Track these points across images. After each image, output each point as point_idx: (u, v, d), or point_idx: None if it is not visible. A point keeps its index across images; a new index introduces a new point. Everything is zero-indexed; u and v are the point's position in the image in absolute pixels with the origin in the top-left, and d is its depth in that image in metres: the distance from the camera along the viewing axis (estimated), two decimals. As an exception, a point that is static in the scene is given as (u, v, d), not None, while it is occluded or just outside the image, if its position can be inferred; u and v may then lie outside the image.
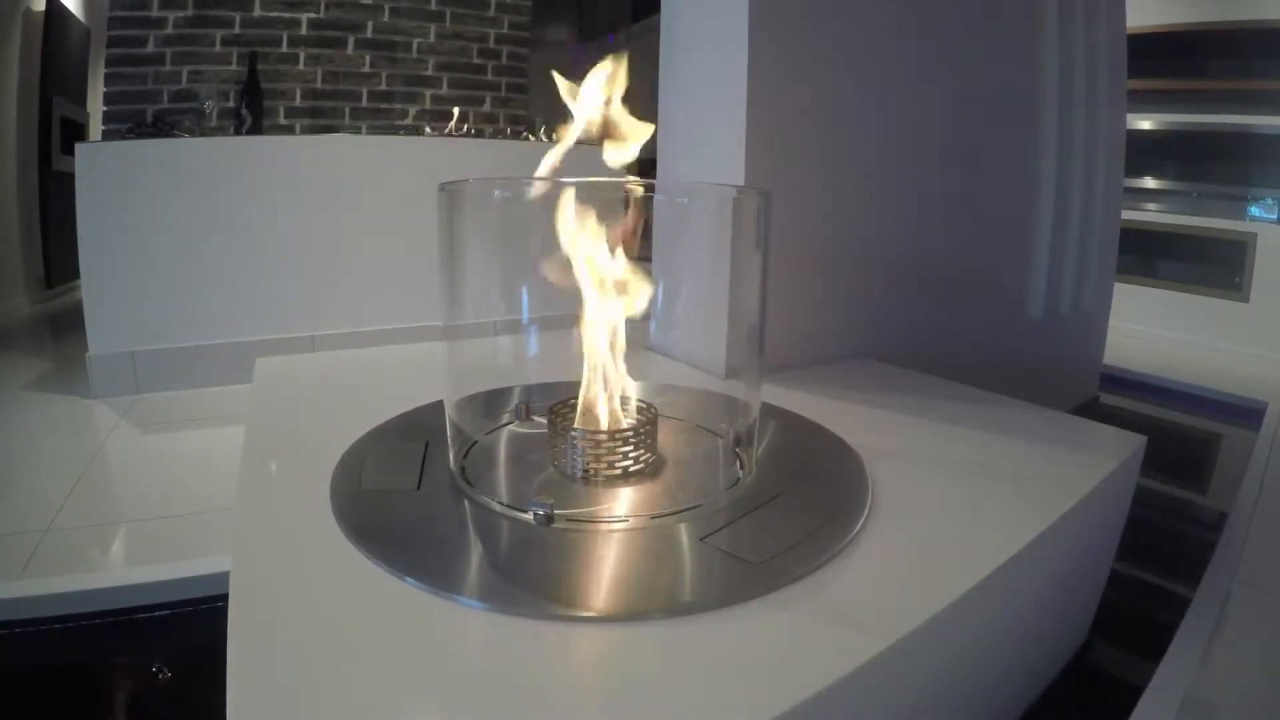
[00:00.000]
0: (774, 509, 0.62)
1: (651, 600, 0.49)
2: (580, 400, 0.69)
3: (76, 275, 3.54)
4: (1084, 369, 1.95)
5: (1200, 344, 2.72)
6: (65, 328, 2.85)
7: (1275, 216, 2.67)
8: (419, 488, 0.63)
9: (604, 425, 0.68)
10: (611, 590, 0.51)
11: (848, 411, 0.92)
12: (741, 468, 0.70)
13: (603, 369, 0.68)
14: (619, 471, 0.66)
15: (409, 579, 0.50)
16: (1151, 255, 2.92)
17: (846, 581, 0.53)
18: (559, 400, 0.72)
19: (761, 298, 0.72)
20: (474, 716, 0.39)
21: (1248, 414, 1.95)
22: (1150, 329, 2.85)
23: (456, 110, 3.13)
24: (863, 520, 0.61)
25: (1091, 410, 1.93)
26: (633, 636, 0.46)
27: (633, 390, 0.71)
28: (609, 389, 0.69)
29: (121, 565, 1.14)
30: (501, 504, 0.61)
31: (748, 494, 0.65)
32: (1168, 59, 2.82)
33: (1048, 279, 1.66)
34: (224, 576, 1.02)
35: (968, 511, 0.66)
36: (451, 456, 0.67)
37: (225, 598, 1.02)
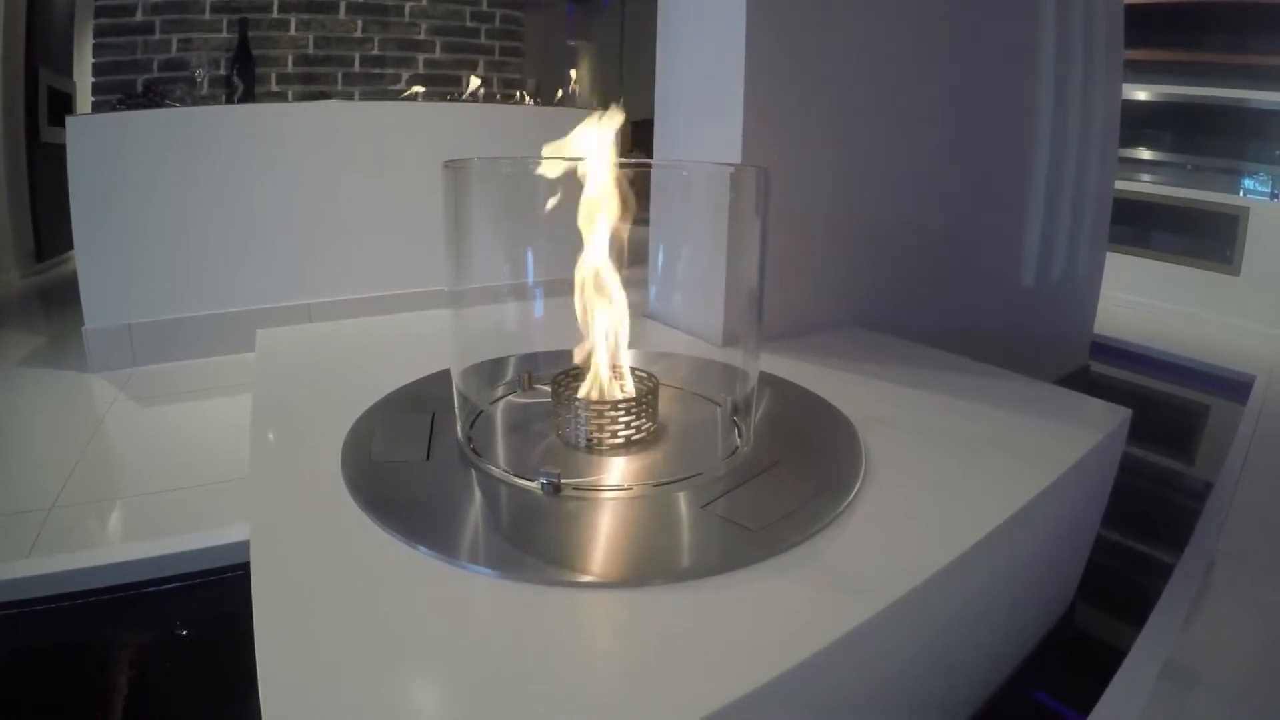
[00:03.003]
0: (771, 476, 0.64)
1: (656, 566, 0.51)
2: (583, 371, 0.71)
3: (67, 247, 3.52)
4: (1075, 338, 1.97)
5: (1190, 315, 2.74)
6: (58, 301, 2.83)
7: (1268, 190, 2.68)
8: (428, 458, 0.64)
9: (607, 395, 0.69)
10: (617, 557, 0.53)
11: (841, 380, 0.93)
12: (739, 436, 0.72)
13: (605, 340, 0.70)
14: (621, 440, 0.68)
15: (421, 548, 0.52)
16: (1144, 226, 2.93)
17: (842, 547, 0.55)
18: (562, 370, 0.73)
19: (760, 271, 0.73)
20: (484, 679, 0.41)
21: (1235, 387, 1.97)
22: (1141, 299, 2.87)
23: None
24: (856, 488, 0.63)
25: (1081, 379, 1.96)
26: (638, 601, 0.48)
27: (633, 360, 0.72)
28: (611, 359, 0.70)
29: (129, 540, 1.15)
30: (509, 474, 0.62)
31: (746, 462, 0.67)
32: (1165, 30, 2.80)
33: (1040, 249, 1.68)
34: (232, 548, 1.04)
35: (957, 481, 0.68)
36: (459, 427, 0.69)
37: (233, 569, 1.04)
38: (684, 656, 0.43)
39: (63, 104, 3.46)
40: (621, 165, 0.63)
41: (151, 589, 1.00)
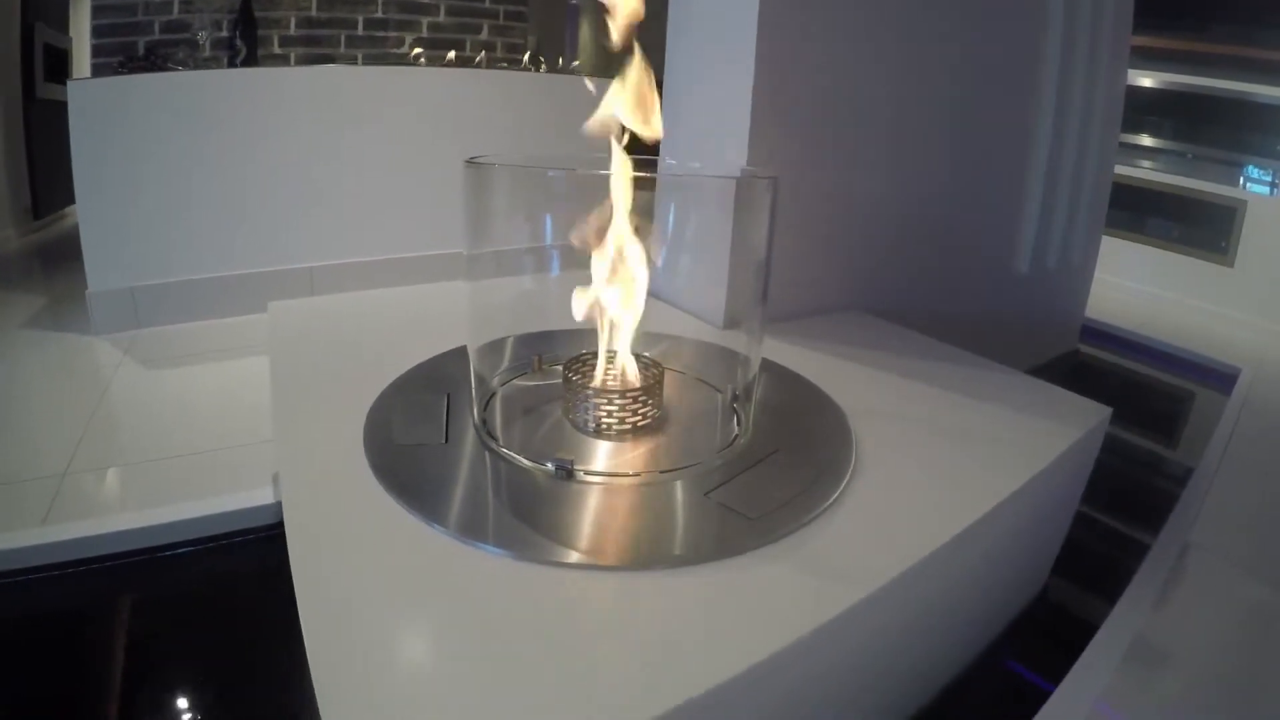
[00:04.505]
0: (769, 465, 0.68)
1: (659, 551, 0.55)
2: (595, 358, 0.74)
3: (64, 204, 3.49)
4: (1066, 321, 2.00)
5: (1182, 304, 2.77)
6: (56, 260, 2.82)
7: (1269, 185, 2.69)
8: (446, 441, 0.68)
9: (616, 384, 0.73)
10: (623, 541, 0.57)
11: (835, 367, 0.96)
12: (739, 424, 0.75)
13: (617, 329, 0.73)
14: (629, 426, 0.71)
15: (442, 530, 0.56)
16: (1142, 212, 2.95)
17: (832, 536, 0.59)
18: (573, 356, 0.76)
19: (765, 268, 0.76)
20: (494, 653, 0.45)
21: (1221, 378, 2.00)
22: (1135, 284, 2.90)
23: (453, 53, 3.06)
24: (847, 479, 0.66)
25: (1070, 362, 1.99)
26: (642, 584, 0.52)
27: (636, 341, 0.75)
28: (622, 349, 0.73)
29: (145, 507, 1.16)
30: (523, 458, 0.66)
31: (744, 451, 0.70)
32: (1174, 18, 2.78)
33: (1038, 234, 1.69)
34: (244, 513, 1.07)
35: (941, 473, 0.71)
36: (475, 410, 0.73)
37: (243, 533, 1.07)
38: (684, 637, 0.47)
39: (59, 60, 3.41)
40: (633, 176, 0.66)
41: (166, 553, 1.03)
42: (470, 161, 0.65)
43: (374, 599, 0.49)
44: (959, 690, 0.78)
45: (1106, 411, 0.87)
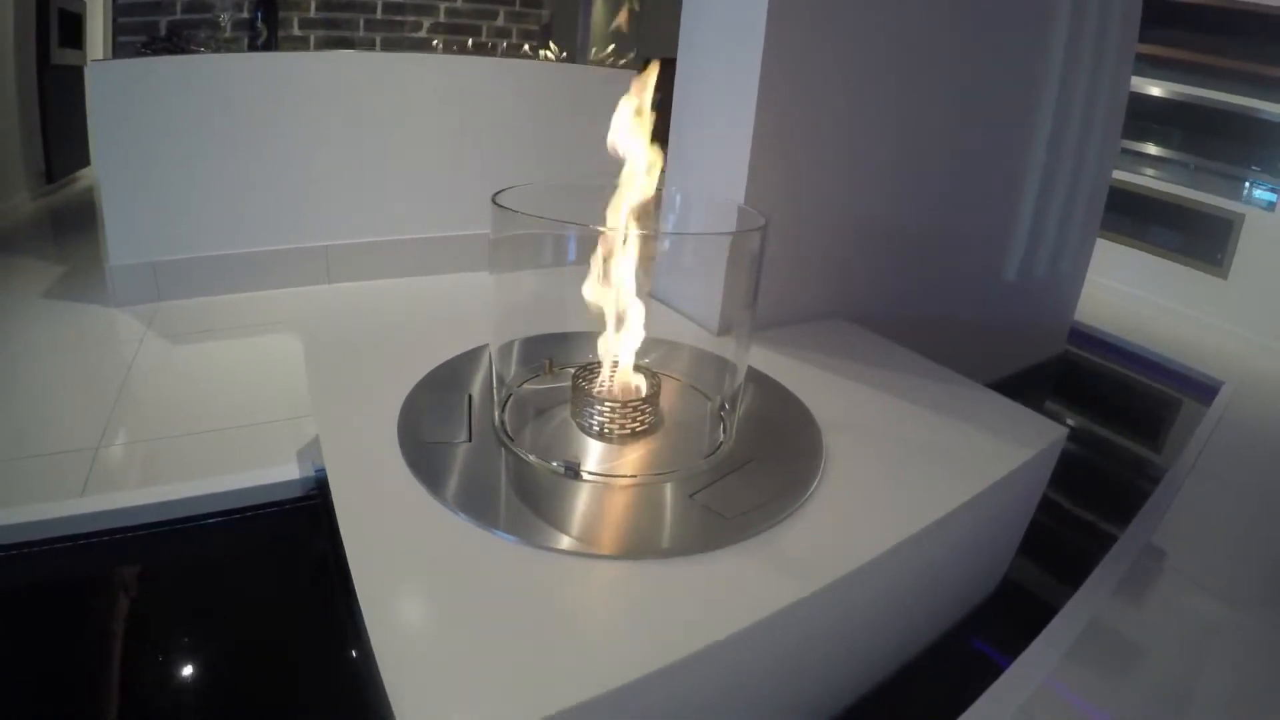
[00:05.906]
0: (748, 471, 0.77)
1: (649, 543, 0.65)
2: (601, 370, 0.83)
3: (77, 167, 3.53)
4: (1055, 325, 2.05)
5: (1173, 311, 2.80)
6: (71, 226, 2.84)
7: (1271, 199, 2.71)
8: (469, 440, 0.78)
9: (620, 393, 0.82)
10: (617, 534, 0.66)
11: (816, 379, 1.04)
12: (724, 431, 0.84)
13: (621, 344, 0.82)
14: (628, 431, 0.80)
15: (462, 515, 0.65)
16: (1141, 218, 2.99)
17: (796, 536, 0.68)
18: (582, 365, 0.85)
19: (755, 286, 0.83)
20: (504, 621, 0.55)
21: (1204, 389, 2.03)
22: (1128, 288, 2.94)
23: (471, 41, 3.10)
24: (813, 487, 0.75)
25: (1056, 365, 2.06)
26: (631, 571, 0.61)
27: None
28: (625, 362, 0.82)
29: (175, 480, 1.17)
30: (535, 458, 0.75)
31: (728, 457, 0.80)
32: (1187, 29, 2.80)
33: (1030, 242, 1.72)
34: (272, 487, 1.13)
35: (899, 482, 0.80)
36: (495, 413, 0.82)
37: (274, 505, 1.14)
38: (668, 615, 0.57)
39: (73, 25, 3.44)
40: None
41: (199, 523, 1.08)
42: (496, 202, 0.73)
43: (410, 570, 0.59)
44: (915, 670, 0.87)
45: (1063, 431, 0.95)
